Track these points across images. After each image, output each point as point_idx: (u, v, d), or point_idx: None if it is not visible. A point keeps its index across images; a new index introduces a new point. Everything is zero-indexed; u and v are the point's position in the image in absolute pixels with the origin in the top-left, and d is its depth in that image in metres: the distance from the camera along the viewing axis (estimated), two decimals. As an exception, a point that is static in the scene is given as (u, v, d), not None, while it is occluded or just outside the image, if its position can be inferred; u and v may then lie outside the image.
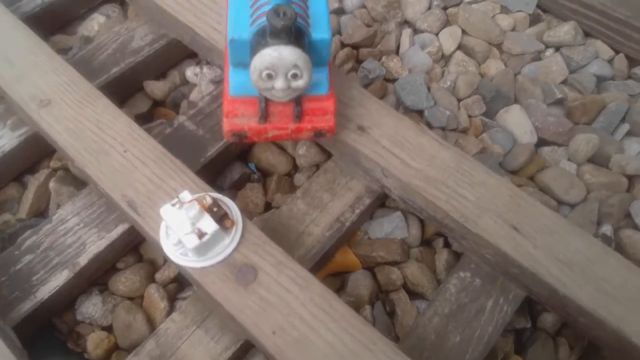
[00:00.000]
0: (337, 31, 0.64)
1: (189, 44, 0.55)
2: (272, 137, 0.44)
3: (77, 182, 0.49)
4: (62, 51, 0.58)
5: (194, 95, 0.55)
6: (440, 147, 0.46)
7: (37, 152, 0.51)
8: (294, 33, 0.36)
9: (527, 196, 0.44)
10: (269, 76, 0.37)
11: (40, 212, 0.50)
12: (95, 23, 0.62)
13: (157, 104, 0.56)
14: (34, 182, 0.49)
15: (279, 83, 0.37)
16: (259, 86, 0.38)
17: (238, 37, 0.38)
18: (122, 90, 0.54)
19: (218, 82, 0.55)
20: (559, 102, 0.60)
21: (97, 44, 0.56)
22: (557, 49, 0.63)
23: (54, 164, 0.51)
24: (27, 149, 0.50)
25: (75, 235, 0.44)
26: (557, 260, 0.40)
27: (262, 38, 0.36)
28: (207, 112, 0.50)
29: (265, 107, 0.41)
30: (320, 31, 0.38)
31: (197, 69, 0.56)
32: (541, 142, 0.58)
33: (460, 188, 0.44)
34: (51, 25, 0.60)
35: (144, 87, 0.56)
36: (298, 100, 0.41)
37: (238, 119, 0.42)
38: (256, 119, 0.42)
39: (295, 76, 0.37)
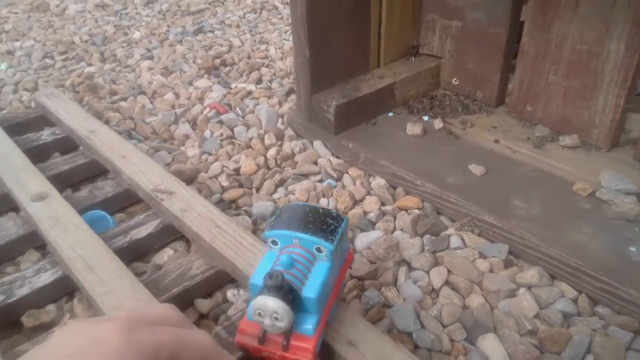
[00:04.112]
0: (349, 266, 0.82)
1: (231, 273, 0.73)
2: (265, 357, 0.57)
3: None
4: (138, 274, 0.76)
5: (230, 311, 0.71)
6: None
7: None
8: (285, 288, 0.52)
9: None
10: (260, 315, 0.52)
11: None
12: (165, 255, 0.82)
13: (202, 317, 0.72)
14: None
15: (266, 321, 0.52)
16: (255, 319, 0.53)
17: (255, 282, 0.56)
18: (178, 305, 0.70)
19: (249, 302, 0.71)
20: (531, 333, 0.71)
21: (165, 271, 0.75)
22: (529, 288, 0.77)
23: None
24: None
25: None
26: None
27: (264, 287, 0.52)
28: (237, 325, 0.64)
29: (263, 334, 0.55)
30: (309, 291, 0.54)
31: (236, 292, 0.74)
32: (515, 367, 0.68)
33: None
34: (132, 255, 0.81)
35: (194, 303, 0.73)
36: (288, 334, 0.55)
37: (245, 337, 0.57)
38: (256, 340, 0.56)
39: (276, 319, 0.52)
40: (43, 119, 1.17)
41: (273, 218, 0.61)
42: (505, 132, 1.06)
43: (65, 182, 0.97)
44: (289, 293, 0.53)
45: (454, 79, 1.20)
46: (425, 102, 1.17)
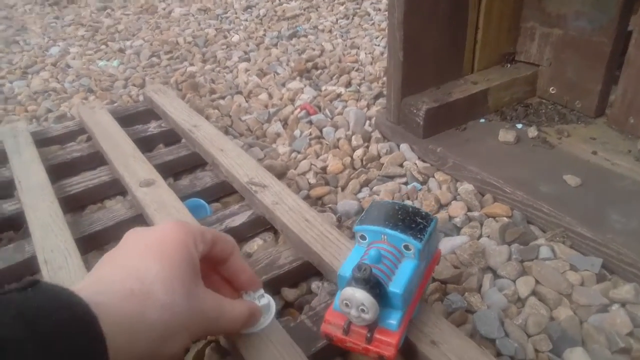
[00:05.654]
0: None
1: (317, 265, 0.76)
2: (349, 348, 0.58)
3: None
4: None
5: (314, 302, 0.74)
6: (496, 366, 0.57)
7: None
8: (372, 282, 0.54)
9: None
10: (347, 305, 0.54)
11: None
12: (255, 244, 0.87)
13: (287, 304, 0.76)
14: (193, 347, 0.68)
15: (352, 312, 0.54)
16: (342, 310, 0.55)
17: (343, 273, 0.58)
18: (266, 292, 0.74)
19: (333, 294, 0.73)
20: (624, 351, 0.68)
21: (255, 259, 0.80)
22: (623, 305, 0.74)
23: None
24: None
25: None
26: None
27: (351, 279, 0.54)
28: (321, 315, 0.67)
29: (348, 325, 0.57)
30: (395, 286, 0.55)
31: (320, 284, 0.76)
32: (604, 385, 0.65)
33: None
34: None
35: (281, 292, 0.76)
36: (372, 328, 0.56)
37: (331, 326, 0.59)
38: (341, 331, 0.58)
39: (363, 311, 0.53)
40: (150, 113, 1.27)
41: (363, 213, 0.63)
42: (604, 144, 1.02)
43: (169, 172, 1.05)
44: (376, 286, 0.54)
45: (552, 88, 1.17)
46: (519, 110, 1.14)
